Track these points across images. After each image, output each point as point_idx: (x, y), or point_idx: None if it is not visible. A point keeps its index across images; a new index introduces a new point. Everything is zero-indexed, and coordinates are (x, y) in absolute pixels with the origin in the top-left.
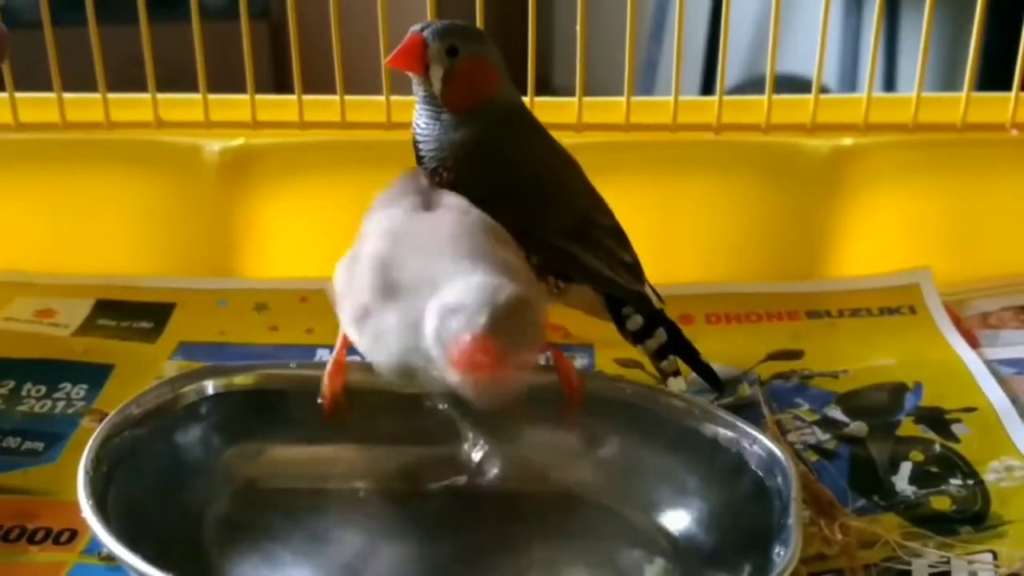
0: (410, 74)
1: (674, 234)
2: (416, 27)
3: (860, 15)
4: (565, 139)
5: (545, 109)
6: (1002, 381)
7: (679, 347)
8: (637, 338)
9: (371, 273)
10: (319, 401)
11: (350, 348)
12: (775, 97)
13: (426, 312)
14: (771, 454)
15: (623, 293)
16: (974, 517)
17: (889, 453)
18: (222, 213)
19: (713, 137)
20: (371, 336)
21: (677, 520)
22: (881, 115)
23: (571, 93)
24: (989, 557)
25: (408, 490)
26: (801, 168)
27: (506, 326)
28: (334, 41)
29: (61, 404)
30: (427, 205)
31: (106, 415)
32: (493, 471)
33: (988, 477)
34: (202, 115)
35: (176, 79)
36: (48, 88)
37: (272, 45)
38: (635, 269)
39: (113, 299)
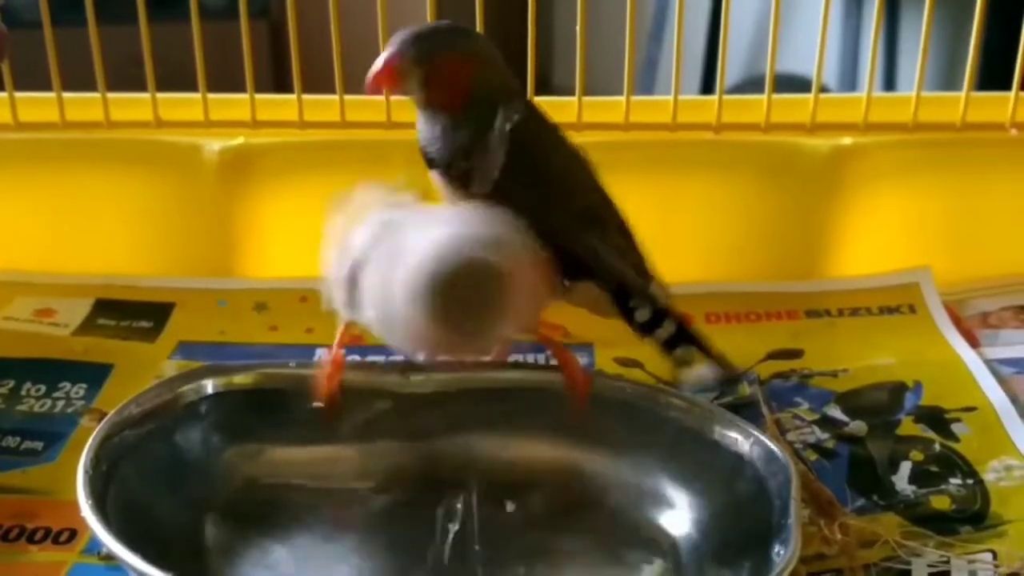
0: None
1: (674, 233)
2: (390, 48)
3: (860, 15)
4: None
5: (545, 109)
6: (1002, 381)
7: (689, 337)
8: (646, 329)
9: (364, 234)
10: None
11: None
12: (775, 96)
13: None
14: (770, 453)
15: (630, 289)
16: (974, 516)
17: (889, 452)
18: (222, 213)
19: (713, 137)
20: (358, 296)
21: (677, 520)
22: (881, 114)
23: (571, 93)
24: (989, 556)
25: (407, 490)
26: (801, 168)
27: (463, 282)
28: (334, 40)
29: (60, 403)
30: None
31: (105, 414)
32: (493, 471)
33: (988, 476)
34: (202, 115)
35: (176, 79)
36: (48, 88)
37: (272, 44)
38: (642, 267)
39: (113, 299)
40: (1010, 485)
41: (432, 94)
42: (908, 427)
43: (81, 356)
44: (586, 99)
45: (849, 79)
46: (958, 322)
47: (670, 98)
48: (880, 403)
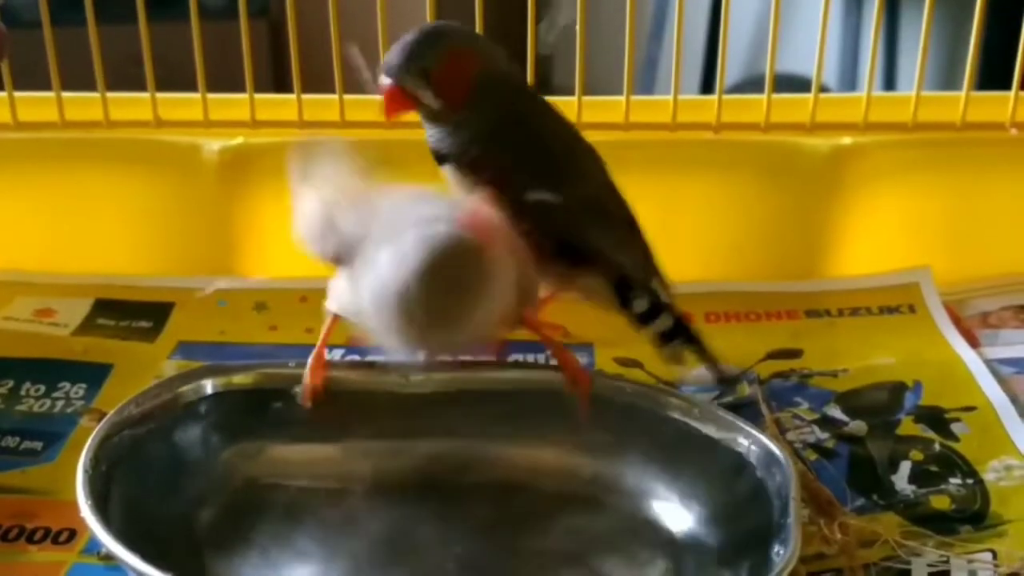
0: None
1: (674, 233)
2: (383, 78)
3: (860, 14)
4: None
5: None
6: (1002, 380)
7: (686, 335)
8: (643, 320)
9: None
10: (295, 393)
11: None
12: (775, 96)
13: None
14: (770, 453)
15: (631, 281)
16: (973, 516)
17: (888, 452)
18: (221, 212)
19: (713, 136)
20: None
21: (677, 520)
22: (881, 114)
23: (571, 92)
24: (988, 556)
25: (407, 490)
26: (801, 167)
27: (444, 270)
28: (333, 40)
29: (60, 403)
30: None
31: (105, 414)
32: (491, 471)
33: (988, 476)
34: (201, 114)
35: (175, 78)
36: (47, 87)
37: (271, 44)
38: (647, 262)
39: (112, 298)
40: (1010, 485)
41: (447, 99)
42: (908, 427)
43: (81, 356)
44: (586, 99)
45: (849, 79)
46: (958, 322)
47: (670, 98)
48: (880, 403)
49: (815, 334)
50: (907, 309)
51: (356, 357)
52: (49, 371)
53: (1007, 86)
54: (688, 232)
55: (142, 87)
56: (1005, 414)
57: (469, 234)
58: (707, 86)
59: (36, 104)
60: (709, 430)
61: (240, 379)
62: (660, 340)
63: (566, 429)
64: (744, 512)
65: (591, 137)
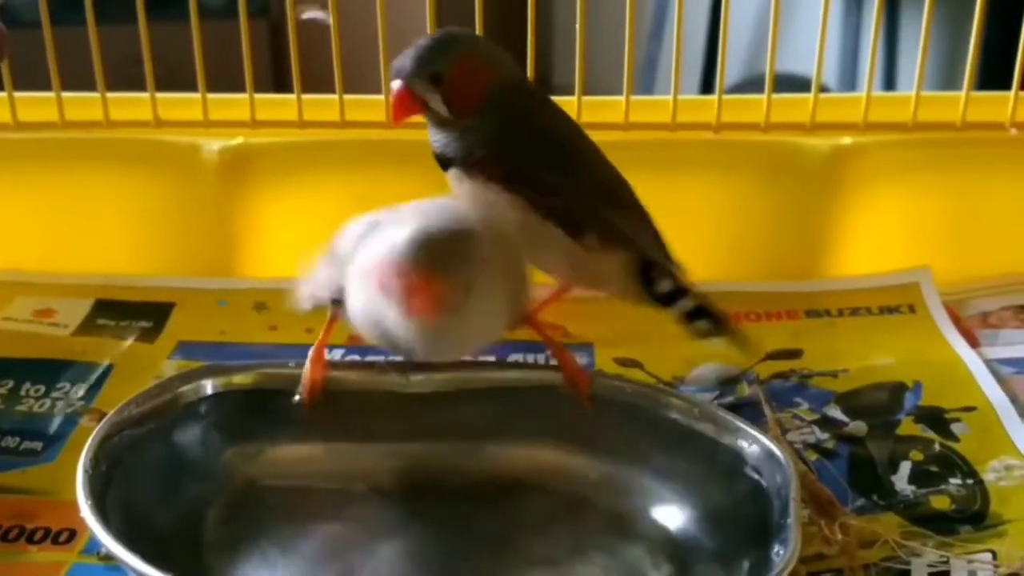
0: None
1: (673, 233)
2: (394, 80)
3: (860, 14)
4: None
5: None
6: (1001, 380)
7: (709, 314)
8: (666, 301)
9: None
10: (296, 396)
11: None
12: (774, 96)
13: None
14: (770, 453)
15: (653, 262)
16: (973, 516)
17: (888, 452)
18: (221, 213)
19: (712, 136)
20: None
21: (677, 520)
22: (881, 114)
23: (571, 92)
24: (988, 556)
25: (407, 490)
26: (800, 167)
27: (432, 254)
28: (333, 40)
29: (60, 404)
30: None
31: (105, 415)
32: (492, 471)
33: (987, 476)
34: (201, 114)
35: (175, 78)
36: (47, 87)
37: (271, 44)
38: (663, 249)
39: (112, 299)
40: (1010, 485)
41: (457, 105)
42: (908, 427)
43: (81, 356)
44: (586, 99)
45: (849, 79)
46: (958, 322)
47: (670, 98)
48: (880, 403)
49: (815, 334)
50: (907, 309)
51: (356, 357)
52: (49, 371)
53: (1007, 86)
54: (687, 232)
55: (142, 87)
56: (1005, 414)
57: (459, 225)
58: (707, 86)
59: (36, 104)
60: (709, 430)
61: (240, 379)
62: (686, 319)
63: (566, 429)
64: (744, 512)
65: (591, 137)
